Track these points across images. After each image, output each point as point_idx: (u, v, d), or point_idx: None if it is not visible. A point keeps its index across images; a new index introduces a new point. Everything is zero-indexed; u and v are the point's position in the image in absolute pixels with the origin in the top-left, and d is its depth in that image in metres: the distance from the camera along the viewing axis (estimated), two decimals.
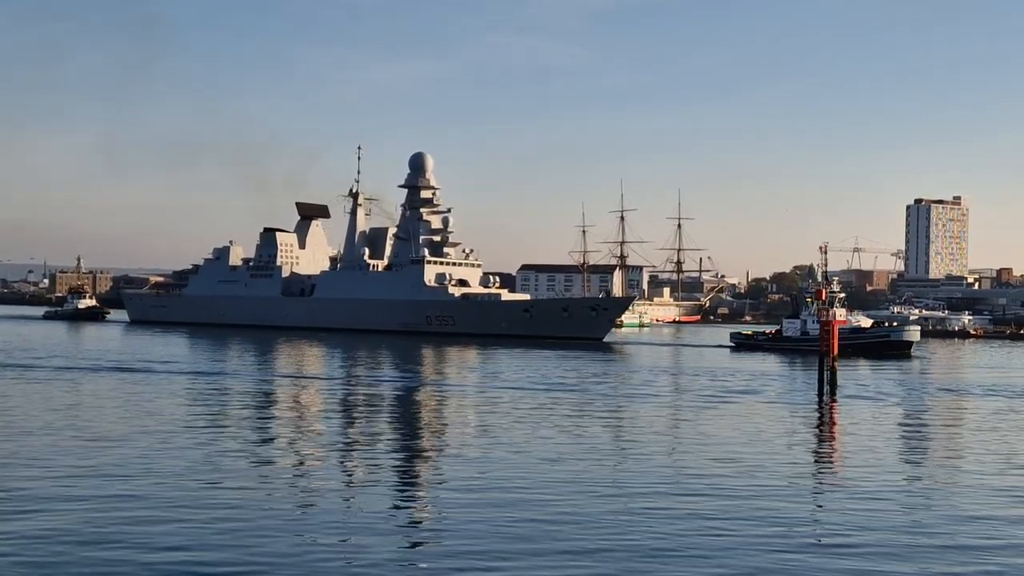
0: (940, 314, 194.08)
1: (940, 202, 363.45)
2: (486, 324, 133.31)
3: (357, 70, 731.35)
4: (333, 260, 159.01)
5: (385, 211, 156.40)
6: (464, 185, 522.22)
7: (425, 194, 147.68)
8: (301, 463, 33.46)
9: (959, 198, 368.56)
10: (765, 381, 70.60)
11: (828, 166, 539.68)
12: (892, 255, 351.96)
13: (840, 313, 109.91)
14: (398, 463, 34.22)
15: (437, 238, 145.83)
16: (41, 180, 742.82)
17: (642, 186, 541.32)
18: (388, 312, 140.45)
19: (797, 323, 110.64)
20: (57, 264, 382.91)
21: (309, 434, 40.49)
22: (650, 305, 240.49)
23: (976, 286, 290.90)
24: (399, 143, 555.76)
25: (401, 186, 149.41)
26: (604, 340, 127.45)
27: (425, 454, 36.25)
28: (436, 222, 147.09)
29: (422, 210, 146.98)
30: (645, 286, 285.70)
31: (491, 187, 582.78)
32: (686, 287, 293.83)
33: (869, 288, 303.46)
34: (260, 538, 22.36)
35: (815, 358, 69.97)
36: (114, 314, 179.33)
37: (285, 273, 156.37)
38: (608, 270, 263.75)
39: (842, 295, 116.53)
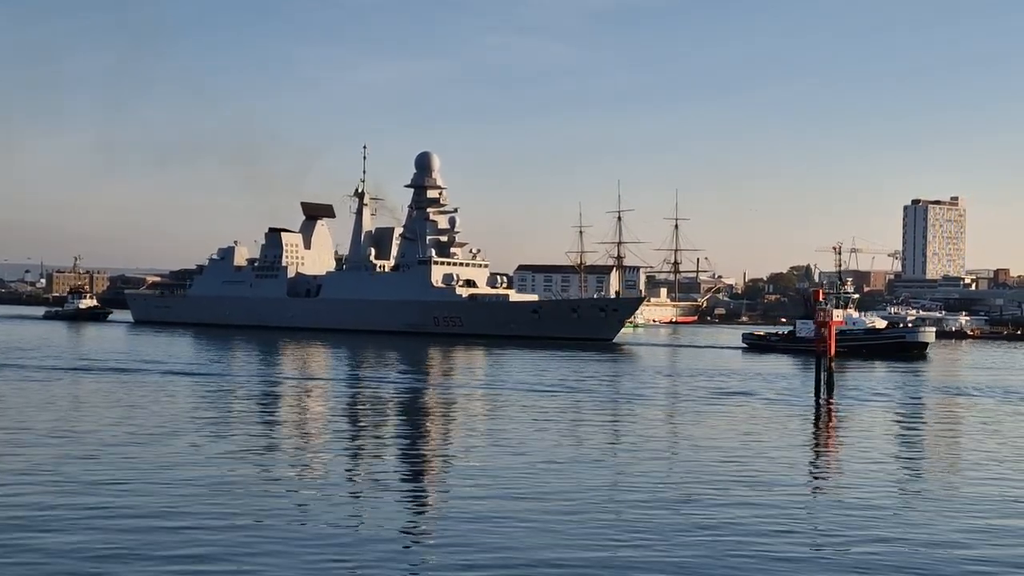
0: (937, 315, 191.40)
1: (938, 203, 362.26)
2: (494, 325, 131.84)
3: (356, 70, 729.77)
4: (339, 260, 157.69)
5: (390, 211, 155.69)
6: (462, 185, 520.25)
7: (432, 194, 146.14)
8: (305, 466, 32.95)
9: (956, 199, 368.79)
10: (789, 383, 69.69)
11: (826, 167, 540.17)
12: (889, 256, 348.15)
13: (854, 314, 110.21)
14: (404, 467, 33.75)
15: (444, 238, 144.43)
16: (39, 180, 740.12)
17: (640, 187, 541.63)
18: (395, 313, 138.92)
19: (811, 324, 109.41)
20: (54, 264, 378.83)
21: (315, 436, 40.06)
22: (646, 306, 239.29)
23: (973, 287, 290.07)
24: (398, 142, 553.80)
25: (407, 186, 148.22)
26: (613, 341, 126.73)
27: (432, 457, 35.72)
28: (443, 222, 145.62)
29: (428, 210, 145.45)
30: (642, 287, 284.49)
31: (488, 187, 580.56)
32: (683, 288, 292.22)
33: (866, 289, 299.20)
34: (264, 542, 22.07)
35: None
36: (116, 314, 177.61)
37: (291, 273, 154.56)
38: (605, 271, 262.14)
39: (855, 296, 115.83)
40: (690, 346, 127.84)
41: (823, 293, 72.68)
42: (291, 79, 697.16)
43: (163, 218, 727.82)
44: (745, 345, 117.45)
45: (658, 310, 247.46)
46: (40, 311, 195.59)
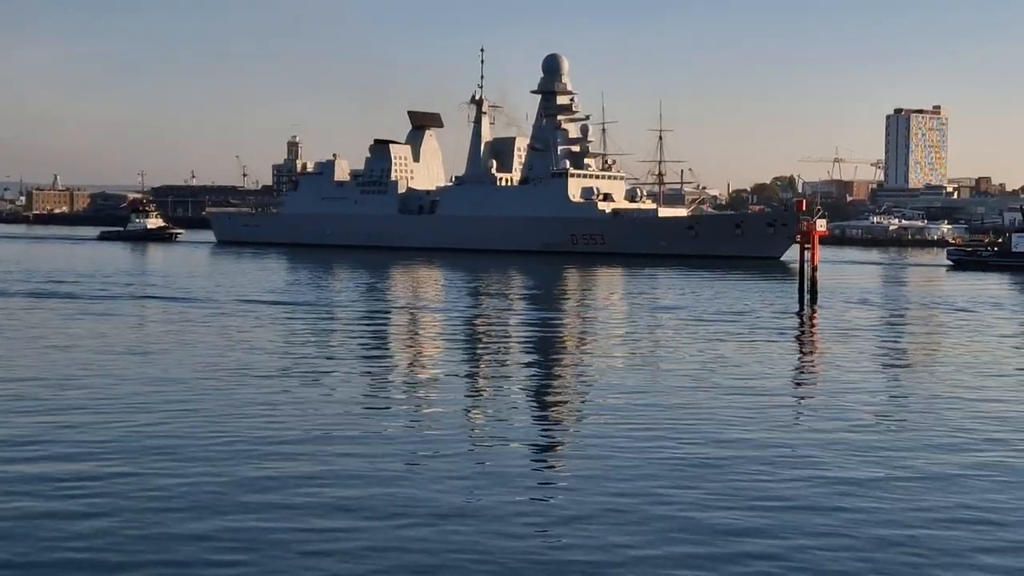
0: (919, 224, 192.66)
1: (920, 112, 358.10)
2: (642, 243, 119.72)
3: None
4: (455, 177, 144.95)
5: (512, 119, 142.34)
6: None
7: (562, 100, 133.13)
8: (417, 407, 29.00)
9: (939, 107, 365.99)
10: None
11: (809, 77, 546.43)
12: (872, 165, 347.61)
13: None
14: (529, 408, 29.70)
15: (576, 148, 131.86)
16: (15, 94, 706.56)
17: (623, 98, 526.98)
18: (527, 231, 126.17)
19: None
20: (33, 182, 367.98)
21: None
22: None
23: (955, 195, 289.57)
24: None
25: (534, 91, 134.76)
26: (781, 259, 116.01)
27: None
28: (574, 131, 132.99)
29: (559, 117, 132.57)
30: None
31: None
32: (668, 200, 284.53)
33: (849, 199, 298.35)
34: (376, 481, 20.17)
35: None
36: (193, 235, 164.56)
37: (401, 189, 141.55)
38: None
39: None
40: (887, 264, 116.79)
41: (806, 203, 74.01)
42: None
43: (142, 133, 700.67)
44: (951, 262, 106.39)
45: None
46: (96, 231, 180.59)
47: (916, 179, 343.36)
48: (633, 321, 52.51)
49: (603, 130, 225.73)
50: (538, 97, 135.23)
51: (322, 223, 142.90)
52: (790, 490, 19.78)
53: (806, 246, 60.16)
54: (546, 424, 27.14)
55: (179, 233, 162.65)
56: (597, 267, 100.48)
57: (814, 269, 59.95)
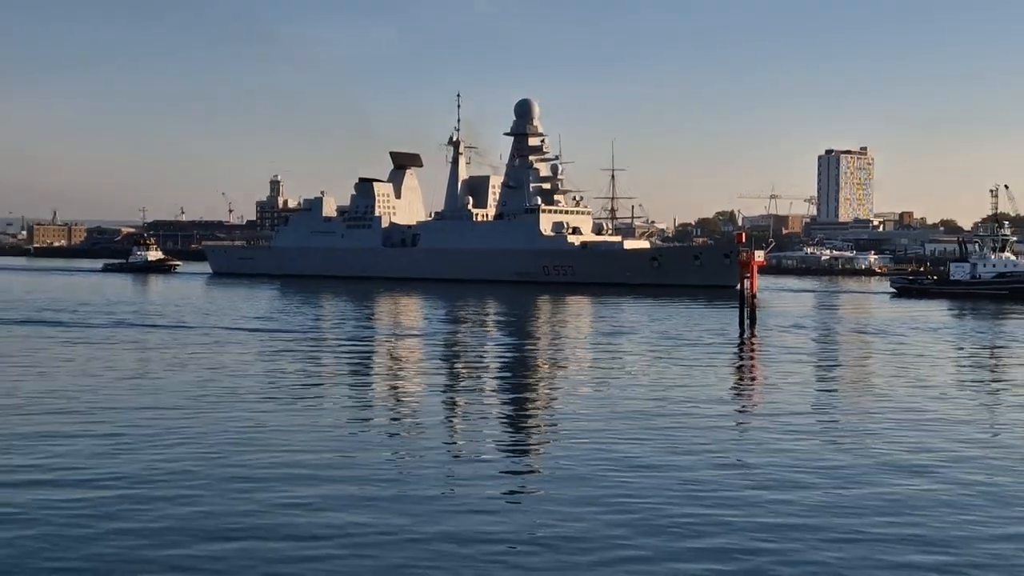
0: (849, 254, 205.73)
1: (848, 152, 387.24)
2: (608, 273, 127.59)
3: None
4: (435, 212, 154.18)
5: (486, 159, 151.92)
6: None
7: (533, 141, 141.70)
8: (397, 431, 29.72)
9: (865, 148, 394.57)
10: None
11: (749, 120, 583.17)
12: (805, 201, 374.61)
13: (1012, 257, 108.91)
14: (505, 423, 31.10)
15: (547, 185, 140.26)
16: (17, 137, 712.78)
17: (577, 140, 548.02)
18: (502, 262, 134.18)
19: (966, 267, 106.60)
20: (33, 217, 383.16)
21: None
22: None
23: (881, 228, 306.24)
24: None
25: (507, 134, 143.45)
26: (737, 288, 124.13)
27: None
28: (544, 170, 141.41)
29: (531, 157, 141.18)
30: None
31: None
32: (620, 232, 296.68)
33: (785, 231, 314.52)
34: (361, 497, 20.83)
35: (987, 304, 74.24)
36: (187, 266, 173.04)
37: (384, 223, 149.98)
38: None
39: (1014, 239, 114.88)
40: (832, 291, 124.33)
41: (746, 235, 77.46)
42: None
43: (136, 172, 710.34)
44: (894, 290, 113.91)
45: None
46: (91, 263, 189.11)
47: (846, 213, 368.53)
48: (596, 344, 54.66)
49: (561, 170, 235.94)
50: (511, 139, 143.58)
51: (311, 256, 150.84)
52: (725, 488, 21.47)
53: (746, 275, 63.48)
54: (513, 444, 28.01)
55: (177, 265, 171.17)
56: (567, 296, 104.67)
57: (753, 296, 63.37)
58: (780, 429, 28.96)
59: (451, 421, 30.95)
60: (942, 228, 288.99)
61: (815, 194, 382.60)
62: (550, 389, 38.54)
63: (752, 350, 52.02)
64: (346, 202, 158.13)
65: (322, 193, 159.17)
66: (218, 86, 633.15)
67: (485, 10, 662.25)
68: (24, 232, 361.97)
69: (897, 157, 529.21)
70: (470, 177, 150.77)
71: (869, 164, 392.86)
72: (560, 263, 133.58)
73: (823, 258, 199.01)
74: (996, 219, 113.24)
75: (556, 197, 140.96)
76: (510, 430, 30.00)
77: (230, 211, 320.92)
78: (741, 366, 46.59)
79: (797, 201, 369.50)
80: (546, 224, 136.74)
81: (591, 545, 17.81)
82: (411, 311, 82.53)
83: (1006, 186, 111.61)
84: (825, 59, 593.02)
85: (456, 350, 51.43)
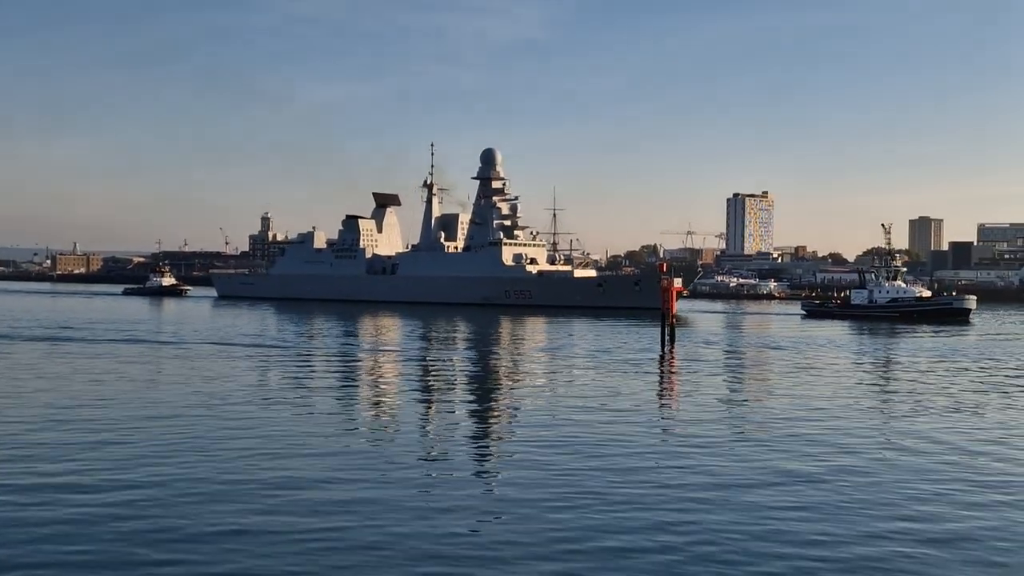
0: (753, 281, 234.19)
1: (752, 195, 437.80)
2: (561, 297, 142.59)
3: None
4: (411, 244, 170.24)
5: (456, 199, 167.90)
6: None
7: (496, 184, 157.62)
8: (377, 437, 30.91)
9: (767, 192, 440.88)
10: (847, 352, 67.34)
11: (667, 167, 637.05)
12: (716, 236, 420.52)
13: (903, 284, 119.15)
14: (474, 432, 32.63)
15: (508, 222, 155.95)
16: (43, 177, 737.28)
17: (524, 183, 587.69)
18: (470, 287, 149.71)
19: (864, 293, 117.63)
20: (56, 248, 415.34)
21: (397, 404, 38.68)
22: None
23: (780, 259, 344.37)
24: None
25: (474, 178, 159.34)
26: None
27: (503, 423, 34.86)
28: (506, 208, 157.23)
29: (494, 198, 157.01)
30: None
31: None
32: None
33: (700, 262, 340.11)
34: (340, 511, 20.98)
35: (882, 324, 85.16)
36: (195, 291, 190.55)
37: (368, 254, 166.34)
38: None
39: (904, 269, 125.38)
40: (748, 313, 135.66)
41: (666, 265, 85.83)
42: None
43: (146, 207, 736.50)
44: (804, 312, 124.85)
45: None
46: (110, 288, 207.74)
47: (750, 247, 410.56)
48: (548, 357, 59.93)
49: (520, 208, 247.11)
50: (477, 182, 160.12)
51: (304, 282, 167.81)
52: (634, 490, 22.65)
53: (665, 299, 68.82)
54: (477, 446, 29.46)
55: (188, 289, 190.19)
56: (525, 317, 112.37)
57: (673, 317, 68.49)
58: (691, 432, 30.98)
59: (424, 428, 32.19)
60: (830, 259, 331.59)
61: (724, 230, 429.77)
62: (508, 395, 41.41)
63: (671, 363, 56.41)
64: (334, 236, 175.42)
65: (313, 228, 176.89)
66: (219, 132, 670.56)
67: (452, 73, 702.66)
68: (48, 261, 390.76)
69: (793, 199, 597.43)
70: (442, 215, 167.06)
71: (770, 205, 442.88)
72: (520, 289, 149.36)
73: (731, 285, 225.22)
74: (889, 252, 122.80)
75: (516, 232, 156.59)
76: (471, 433, 31.83)
77: (226, 243, 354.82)
78: (662, 375, 51.39)
79: (709, 236, 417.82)
80: (507, 255, 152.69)
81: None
82: (391, 330, 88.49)
83: (887, 225, 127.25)
84: (730, 116, 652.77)
85: (428, 363, 54.86)
